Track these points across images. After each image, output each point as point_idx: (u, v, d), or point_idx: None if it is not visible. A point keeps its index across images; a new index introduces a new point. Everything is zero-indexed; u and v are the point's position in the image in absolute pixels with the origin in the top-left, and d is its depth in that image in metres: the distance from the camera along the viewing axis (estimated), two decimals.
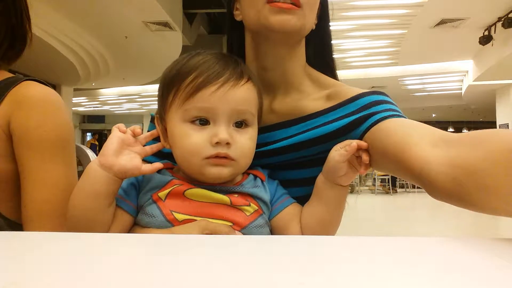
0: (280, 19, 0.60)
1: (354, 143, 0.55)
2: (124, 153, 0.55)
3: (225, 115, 0.55)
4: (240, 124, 0.57)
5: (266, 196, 0.59)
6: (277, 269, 0.31)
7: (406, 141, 0.54)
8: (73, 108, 11.82)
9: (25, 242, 0.42)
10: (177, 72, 0.57)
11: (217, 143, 0.54)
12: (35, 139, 0.69)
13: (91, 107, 16.83)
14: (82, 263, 0.33)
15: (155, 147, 0.60)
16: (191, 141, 0.54)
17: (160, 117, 0.61)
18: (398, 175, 0.60)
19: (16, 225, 0.70)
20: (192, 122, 0.55)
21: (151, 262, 0.33)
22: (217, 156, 0.54)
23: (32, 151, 0.69)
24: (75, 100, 13.74)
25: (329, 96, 0.69)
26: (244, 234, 0.55)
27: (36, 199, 0.68)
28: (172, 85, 0.57)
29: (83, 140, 18.57)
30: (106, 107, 16.83)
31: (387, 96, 0.68)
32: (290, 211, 0.60)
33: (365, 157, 0.57)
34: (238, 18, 0.70)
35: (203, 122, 0.55)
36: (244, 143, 0.56)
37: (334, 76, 0.78)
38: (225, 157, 0.54)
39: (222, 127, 0.54)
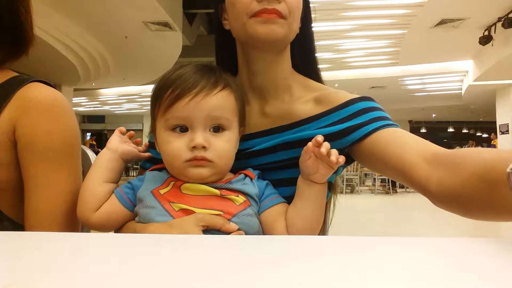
0: (267, 29, 0.64)
1: (309, 143, 0.57)
2: (126, 145, 0.70)
3: (200, 122, 0.60)
4: (218, 129, 0.62)
5: (253, 191, 0.63)
6: (276, 269, 0.31)
7: (406, 159, 0.61)
8: (73, 108, 11.77)
9: (25, 242, 0.42)
10: (160, 86, 0.64)
11: (194, 147, 0.59)
12: (41, 147, 0.66)
13: (91, 107, 16.83)
14: (82, 263, 0.33)
15: (146, 155, 0.73)
16: (172, 146, 0.61)
17: (152, 127, 0.68)
18: (401, 183, 0.66)
19: (23, 229, 0.69)
20: (173, 130, 0.62)
21: (151, 262, 0.33)
22: (195, 159, 0.60)
23: (38, 160, 0.67)
24: (75, 100, 13.76)
25: (317, 99, 0.72)
26: (235, 222, 0.58)
27: (39, 209, 0.67)
28: (156, 98, 0.64)
29: (82, 140, 18.55)
30: (106, 107, 16.84)
31: (375, 101, 0.72)
32: (278, 209, 0.63)
33: (332, 159, 0.55)
34: (227, 27, 0.73)
35: (183, 129, 0.61)
36: (220, 145, 0.61)
37: (318, 76, 0.81)
38: (203, 159, 0.60)
39: (198, 133, 0.60)
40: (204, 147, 0.59)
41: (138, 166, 0.85)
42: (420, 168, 0.59)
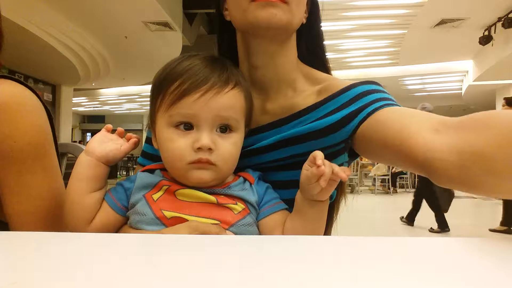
0: (267, 13, 0.60)
1: (322, 167, 0.49)
2: (107, 144, 0.61)
3: (208, 121, 0.56)
4: (225, 129, 0.58)
5: (253, 198, 0.59)
6: (276, 269, 0.31)
7: (405, 131, 0.54)
8: (73, 108, 11.78)
9: (25, 242, 0.42)
10: (164, 77, 0.59)
11: (199, 148, 0.55)
12: (6, 151, 0.62)
13: (91, 107, 16.83)
14: (82, 263, 0.33)
15: (132, 142, 0.65)
16: (175, 145, 0.56)
17: (150, 120, 0.63)
18: (400, 165, 0.59)
19: (3, 224, 0.67)
20: (177, 127, 0.57)
21: (150, 262, 0.33)
22: (199, 161, 0.55)
23: (6, 164, 0.62)
24: (75, 100, 13.73)
25: (320, 91, 0.69)
26: (232, 232, 0.55)
27: (20, 212, 0.64)
28: (159, 90, 0.59)
29: (83, 141, 18.57)
30: (106, 107, 16.83)
31: (378, 84, 0.67)
32: (277, 218, 0.60)
33: (342, 175, 0.50)
34: (227, 18, 0.70)
35: (187, 127, 0.56)
36: (227, 148, 0.57)
37: (326, 69, 0.77)
38: (208, 162, 0.56)
39: (204, 133, 0.56)
40: (210, 149, 0.55)
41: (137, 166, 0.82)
42: (422, 137, 0.52)
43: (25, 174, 0.64)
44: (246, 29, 0.66)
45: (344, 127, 0.62)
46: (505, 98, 4.65)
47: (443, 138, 0.50)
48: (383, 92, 0.65)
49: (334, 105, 0.65)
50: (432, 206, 4.52)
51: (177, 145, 0.56)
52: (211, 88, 0.56)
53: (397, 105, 0.62)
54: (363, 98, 0.63)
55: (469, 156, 0.46)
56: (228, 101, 0.57)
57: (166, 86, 0.57)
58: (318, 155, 0.51)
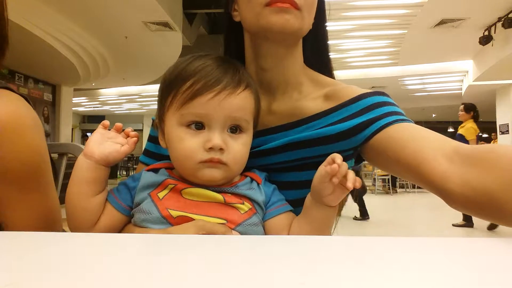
0: (281, 19, 0.61)
1: (335, 165, 0.50)
2: (106, 144, 0.60)
3: (219, 121, 0.56)
4: (235, 130, 0.58)
5: (260, 198, 0.60)
6: (278, 269, 0.31)
7: (421, 154, 0.56)
8: (73, 108, 11.75)
9: (25, 242, 0.42)
10: (176, 76, 0.59)
11: (210, 148, 0.55)
12: (3, 171, 0.61)
13: (91, 107, 16.83)
14: (82, 263, 0.33)
15: (132, 142, 0.62)
16: (186, 145, 0.56)
17: (159, 118, 0.63)
18: (412, 181, 0.61)
19: None
20: (188, 126, 0.57)
21: (151, 262, 0.33)
22: (211, 161, 0.56)
23: (3, 184, 0.62)
24: (75, 100, 13.72)
25: (327, 95, 0.69)
26: (238, 231, 0.55)
27: (18, 228, 0.64)
28: (170, 88, 0.58)
29: (83, 141, 18.58)
30: (106, 107, 16.82)
31: (389, 96, 0.68)
32: (283, 220, 0.60)
33: (349, 184, 0.50)
34: (236, 19, 0.70)
35: (199, 126, 0.57)
36: (237, 148, 0.58)
37: (331, 74, 0.78)
38: (219, 161, 0.56)
39: (216, 133, 0.56)
40: (221, 149, 0.56)
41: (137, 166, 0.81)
42: (438, 163, 0.54)
43: (22, 193, 0.64)
44: (257, 32, 0.66)
45: (354, 136, 0.63)
46: (463, 104, 4.72)
47: (457, 170, 0.52)
48: (394, 105, 0.67)
49: (345, 113, 0.66)
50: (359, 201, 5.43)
51: (188, 144, 0.56)
52: (224, 88, 0.56)
53: (409, 120, 0.64)
54: (375, 110, 0.64)
55: (480, 194, 0.49)
56: (240, 102, 0.58)
57: (178, 85, 0.57)
58: (337, 156, 0.52)
